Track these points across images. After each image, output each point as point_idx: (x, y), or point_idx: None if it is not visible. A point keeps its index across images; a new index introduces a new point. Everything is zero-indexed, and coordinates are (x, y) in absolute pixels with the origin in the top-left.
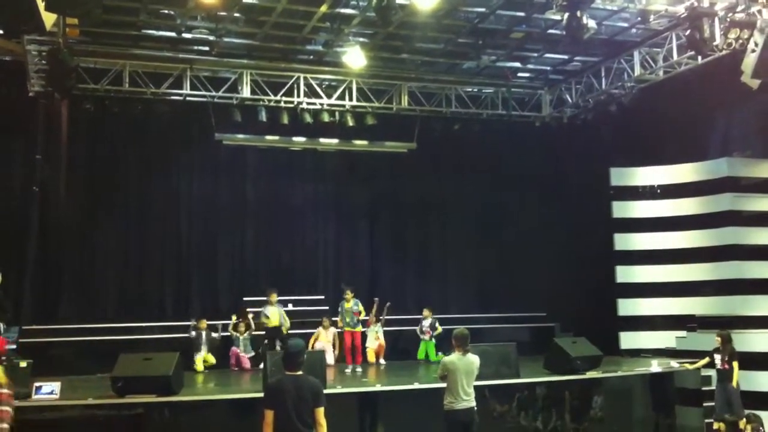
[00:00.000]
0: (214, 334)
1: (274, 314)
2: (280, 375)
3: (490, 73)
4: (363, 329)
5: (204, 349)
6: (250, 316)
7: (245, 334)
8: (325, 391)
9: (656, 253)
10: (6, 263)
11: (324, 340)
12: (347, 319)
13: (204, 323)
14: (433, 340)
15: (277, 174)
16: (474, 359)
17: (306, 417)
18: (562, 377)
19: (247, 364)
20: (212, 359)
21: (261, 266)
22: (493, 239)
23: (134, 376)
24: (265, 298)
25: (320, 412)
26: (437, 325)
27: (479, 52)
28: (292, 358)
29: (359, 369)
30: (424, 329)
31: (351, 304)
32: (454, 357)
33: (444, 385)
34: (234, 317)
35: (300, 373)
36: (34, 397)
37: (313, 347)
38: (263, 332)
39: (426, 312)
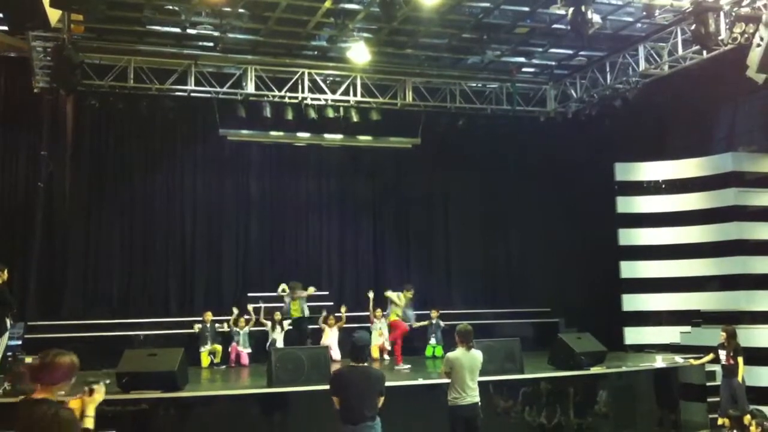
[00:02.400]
0: (218, 326)
1: (296, 307)
2: (345, 366)
3: (495, 68)
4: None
5: (210, 341)
6: (256, 306)
7: (245, 329)
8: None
9: (661, 249)
10: (11, 259)
11: (329, 337)
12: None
13: (209, 316)
14: (441, 338)
15: (282, 169)
16: (477, 354)
17: (372, 404)
18: (566, 373)
19: (246, 361)
20: (220, 348)
21: (265, 262)
22: (498, 235)
23: (139, 372)
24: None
25: (380, 399)
26: (441, 322)
27: (484, 47)
28: (359, 351)
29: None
30: (432, 328)
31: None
32: (458, 352)
33: (448, 380)
34: (235, 310)
35: (365, 364)
36: None
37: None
38: (267, 326)
39: (434, 313)
